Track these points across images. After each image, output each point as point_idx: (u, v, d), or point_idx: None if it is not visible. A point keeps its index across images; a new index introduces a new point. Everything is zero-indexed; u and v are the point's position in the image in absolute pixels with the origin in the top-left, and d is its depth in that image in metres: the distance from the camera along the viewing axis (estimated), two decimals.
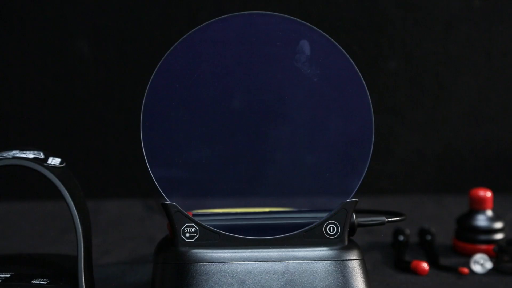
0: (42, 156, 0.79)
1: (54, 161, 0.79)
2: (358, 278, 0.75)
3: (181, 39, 0.80)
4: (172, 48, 0.79)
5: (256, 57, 0.81)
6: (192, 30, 0.79)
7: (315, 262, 0.75)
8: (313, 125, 0.83)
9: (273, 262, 0.75)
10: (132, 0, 1.30)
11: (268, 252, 0.76)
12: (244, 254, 0.76)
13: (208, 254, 0.75)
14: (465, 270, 0.92)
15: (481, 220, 0.99)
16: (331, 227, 0.77)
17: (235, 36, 0.80)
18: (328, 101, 0.82)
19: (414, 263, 0.92)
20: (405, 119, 1.32)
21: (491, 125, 1.34)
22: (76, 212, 0.77)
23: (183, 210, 0.77)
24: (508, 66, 1.33)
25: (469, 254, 0.97)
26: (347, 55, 0.80)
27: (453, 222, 1.03)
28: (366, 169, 0.80)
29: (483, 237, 0.98)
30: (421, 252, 1.01)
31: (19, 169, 0.78)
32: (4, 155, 0.78)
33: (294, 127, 0.84)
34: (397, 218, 0.86)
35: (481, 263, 0.94)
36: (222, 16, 0.80)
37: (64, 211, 0.82)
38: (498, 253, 0.94)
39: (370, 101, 0.80)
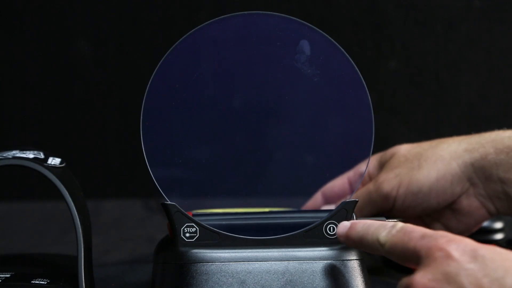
0: (42, 156, 0.79)
1: (54, 161, 0.79)
2: (358, 278, 0.75)
3: (181, 39, 0.80)
4: (172, 48, 0.79)
5: (256, 57, 0.81)
6: (192, 30, 0.79)
7: (315, 262, 0.75)
8: (313, 125, 0.84)
9: (273, 262, 0.75)
10: (132, 0, 1.30)
11: (268, 252, 0.76)
12: (244, 254, 0.76)
13: (208, 254, 0.75)
14: None
15: None
16: (331, 227, 0.77)
17: (235, 36, 0.80)
18: (328, 101, 0.82)
19: None
20: (405, 119, 1.31)
21: (491, 125, 1.34)
22: (76, 212, 0.77)
23: (183, 210, 0.77)
24: (508, 66, 1.33)
25: None
26: (347, 55, 0.80)
27: None
28: (366, 169, 0.80)
29: (483, 237, 0.98)
30: None
31: (19, 169, 0.78)
32: (4, 155, 0.78)
33: (294, 127, 0.84)
34: (396, 219, 0.86)
35: None
36: (222, 16, 0.80)
37: (64, 211, 0.82)
38: None
39: (370, 101, 0.80)
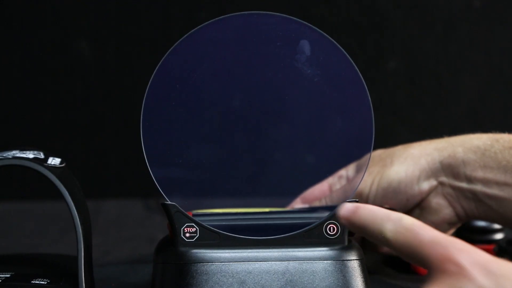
0: (42, 156, 0.79)
1: (54, 161, 0.79)
2: (358, 278, 0.75)
3: (181, 39, 0.79)
4: (172, 48, 0.79)
5: (256, 57, 0.81)
6: (192, 30, 0.79)
7: (315, 262, 0.75)
8: (313, 125, 0.84)
9: (273, 262, 0.75)
10: (132, 0, 1.30)
11: (268, 252, 0.76)
12: (244, 254, 0.75)
13: (208, 254, 0.75)
14: None
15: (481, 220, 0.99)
16: (331, 227, 0.77)
17: (235, 36, 0.80)
18: (328, 101, 0.82)
19: None
20: (405, 119, 1.31)
21: (491, 125, 1.34)
22: (76, 212, 0.77)
23: (183, 210, 0.77)
24: (508, 66, 1.33)
25: None
26: (347, 55, 0.80)
27: None
28: (366, 169, 0.80)
29: (482, 237, 0.98)
30: None
31: (19, 169, 0.78)
32: (4, 155, 0.78)
33: (294, 127, 0.84)
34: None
35: None
36: (222, 16, 0.80)
37: (64, 211, 0.82)
38: (498, 253, 0.94)
39: (370, 101, 0.80)
